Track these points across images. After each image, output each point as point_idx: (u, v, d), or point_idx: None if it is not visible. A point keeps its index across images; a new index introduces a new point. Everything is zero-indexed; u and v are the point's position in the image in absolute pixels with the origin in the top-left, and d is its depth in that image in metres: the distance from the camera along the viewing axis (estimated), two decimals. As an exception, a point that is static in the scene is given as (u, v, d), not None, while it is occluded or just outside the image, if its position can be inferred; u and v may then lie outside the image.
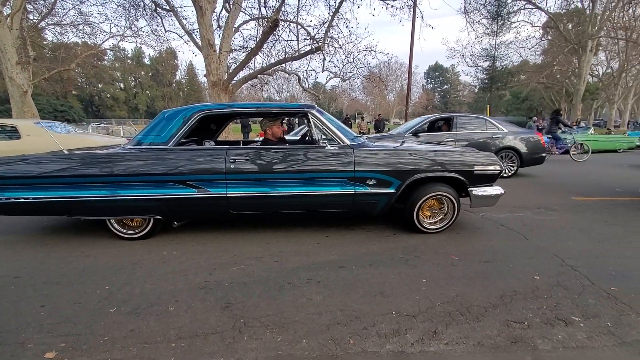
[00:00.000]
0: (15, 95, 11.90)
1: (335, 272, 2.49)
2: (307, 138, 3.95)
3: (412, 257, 2.76)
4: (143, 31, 18.02)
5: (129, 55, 59.30)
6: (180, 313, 1.96)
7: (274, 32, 11.34)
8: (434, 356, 1.62)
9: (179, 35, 16.73)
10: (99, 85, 58.91)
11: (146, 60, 62.62)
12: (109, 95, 60.92)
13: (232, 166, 2.96)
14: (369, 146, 3.25)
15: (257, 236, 3.26)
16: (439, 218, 3.39)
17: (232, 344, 1.70)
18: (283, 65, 12.91)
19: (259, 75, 13.08)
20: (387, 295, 2.17)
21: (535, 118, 16.34)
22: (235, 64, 12.25)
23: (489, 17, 21.64)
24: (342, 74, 15.13)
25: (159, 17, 13.79)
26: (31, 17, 16.54)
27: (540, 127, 16.11)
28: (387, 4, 11.85)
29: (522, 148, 6.79)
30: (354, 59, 14.33)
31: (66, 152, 3.10)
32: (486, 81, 38.33)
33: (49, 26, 18.92)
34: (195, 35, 11.87)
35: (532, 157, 6.86)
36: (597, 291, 2.22)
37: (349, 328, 1.83)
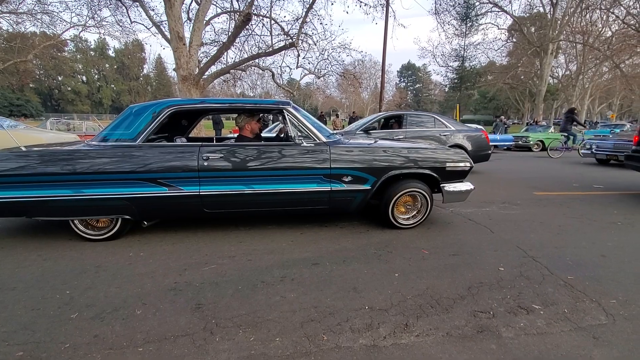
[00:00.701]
0: (-36, 87, 10.99)
1: (309, 270, 2.49)
2: (282, 135, 3.91)
3: (385, 253, 2.81)
4: (107, 21, 17.08)
5: (92, 46, 56.30)
6: (147, 316, 1.89)
7: (247, 27, 11.15)
8: (405, 348, 1.65)
9: (146, 27, 16.00)
10: (59, 78, 55.62)
11: (111, 53, 59.71)
12: (69, 89, 57.64)
13: (205, 163, 2.88)
14: (344, 143, 3.26)
15: (230, 235, 3.20)
16: (413, 214, 3.46)
17: (204, 345, 1.65)
18: (257, 60, 12.74)
19: (231, 71, 12.82)
20: (360, 290, 2.20)
21: (502, 117, 17.00)
22: (207, 58, 11.93)
23: (458, 18, 22.40)
24: (316, 70, 15.12)
25: (124, 7, 13.16)
26: (-18, 4, 15.33)
27: (507, 126, 16.86)
28: (361, 2, 11.94)
29: (469, 146, 7.01)
30: (328, 56, 14.38)
31: (24, 148, 2.88)
32: (456, 81, 39.63)
33: (3, 14, 17.59)
34: (164, 27, 11.44)
35: (478, 155, 7.10)
36: (556, 280, 2.36)
37: (323, 324, 1.83)
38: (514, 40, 26.94)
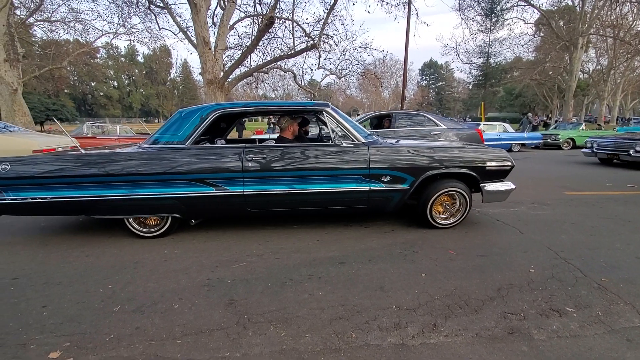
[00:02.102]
0: (5, 93, 11.75)
1: (335, 268, 2.53)
2: (318, 136, 4.00)
3: (411, 253, 2.81)
4: (136, 28, 17.84)
5: (122, 53, 58.71)
6: (184, 310, 1.99)
7: (270, 30, 11.32)
8: (434, 348, 1.67)
9: (173, 33, 16.55)
10: (92, 84, 58.33)
11: (140, 58, 62.07)
12: (102, 94, 60.34)
13: (249, 164, 2.99)
14: (383, 143, 3.30)
15: (257, 234, 3.30)
16: (451, 213, 3.45)
17: (237, 339, 1.73)
18: (279, 62, 12.90)
19: (254, 73, 13.05)
20: (387, 289, 2.22)
21: (529, 114, 16.30)
22: (231, 61, 12.21)
23: (482, 14, 21.81)
24: (337, 71, 15.15)
25: (152, 14, 13.66)
26: (18, 13, 16.28)
27: (535, 124, 16.15)
28: (383, 1, 11.88)
29: None
30: (349, 56, 14.37)
31: (83, 151, 3.10)
32: (480, 78, 38.60)
33: (38, 22, 18.61)
34: (190, 32, 11.81)
35: None
36: (589, 282, 2.29)
37: (351, 322, 1.87)
38: (542, 34, 25.93)
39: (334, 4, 11.34)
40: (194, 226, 3.48)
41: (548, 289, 2.21)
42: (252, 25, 12.73)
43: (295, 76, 14.74)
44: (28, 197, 2.90)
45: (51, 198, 2.90)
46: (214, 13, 12.72)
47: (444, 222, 3.40)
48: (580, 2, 19.29)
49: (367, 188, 3.13)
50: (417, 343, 1.70)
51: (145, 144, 3.18)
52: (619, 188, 5.45)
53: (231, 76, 11.32)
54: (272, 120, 16.53)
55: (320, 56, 13.56)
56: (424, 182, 3.25)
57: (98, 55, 42.47)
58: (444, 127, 6.95)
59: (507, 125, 12.68)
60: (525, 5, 21.37)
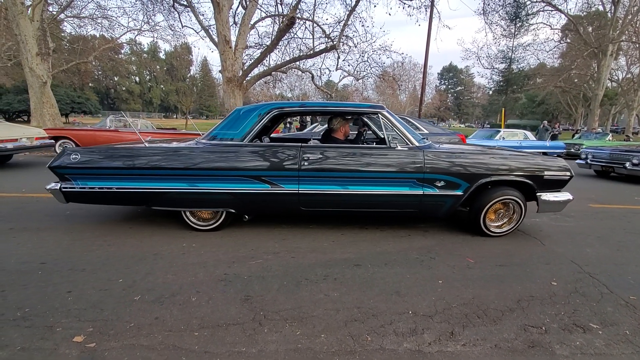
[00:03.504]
0: (35, 85, 12.21)
1: (351, 270, 2.52)
2: (362, 138, 4.07)
3: (427, 259, 2.77)
4: (160, 26, 18.42)
5: (145, 49, 60.14)
6: (201, 303, 2.02)
7: (290, 30, 11.39)
8: (451, 356, 1.64)
9: (195, 31, 16.95)
10: (115, 79, 59.99)
11: (161, 55, 63.42)
12: (124, 89, 62.00)
13: (305, 163, 3.03)
14: (438, 148, 3.28)
15: (273, 232, 3.32)
16: (504, 222, 3.38)
17: (253, 335, 1.74)
18: (297, 62, 12.97)
19: (272, 73, 13.15)
20: (403, 294, 2.19)
21: (545, 122, 15.71)
22: (250, 60, 12.35)
23: (507, 18, 21.32)
24: (356, 72, 15.11)
25: (176, 12, 13.97)
26: (51, 9, 16.90)
27: (555, 133, 15.60)
28: (404, 3, 11.79)
29: None
30: (368, 58, 14.31)
31: (147, 144, 3.22)
32: (501, 83, 37.79)
33: (68, 18, 19.32)
34: (212, 31, 12.00)
35: None
36: (616, 299, 2.21)
37: (366, 325, 1.86)
38: (568, 40, 25.19)
39: (355, 5, 11.33)
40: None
41: (571, 303, 2.14)
42: (272, 25, 12.87)
43: (313, 76, 14.79)
44: (96, 186, 3.05)
45: (117, 188, 3.04)
46: (235, 12, 12.91)
47: (497, 230, 3.34)
48: (612, 7, 18.64)
49: (420, 192, 3.11)
50: (434, 350, 1.67)
51: (203, 139, 3.27)
52: (647, 202, 5.23)
53: (250, 75, 11.44)
54: (289, 120, 16.57)
55: (339, 57, 13.57)
56: (478, 188, 3.19)
57: (122, 51, 43.71)
58: (425, 131, 6.76)
59: (528, 133, 12.34)
60: (552, 10, 20.81)
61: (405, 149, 3.14)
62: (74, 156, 2.99)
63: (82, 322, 1.82)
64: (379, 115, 3.25)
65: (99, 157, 3.03)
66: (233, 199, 3.09)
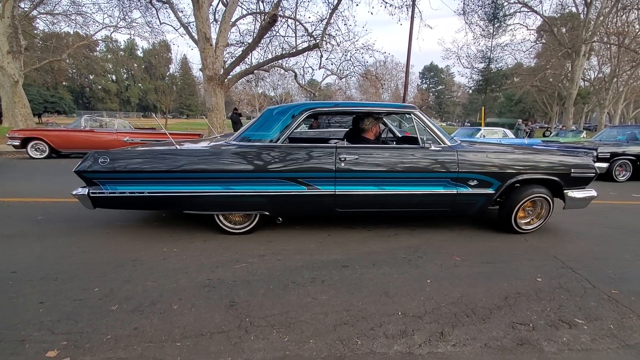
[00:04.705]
0: (6, 84, 11.64)
1: (338, 272, 2.48)
2: (382, 138, 4.04)
3: (415, 257, 2.76)
4: (137, 23, 17.82)
5: (122, 46, 58.34)
6: (184, 311, 1.93)
7: (272, 28, 11.25)
8: (442, 357, 1.61)
9: (174, 28, 16.52)
10: (90, 77, 58.00)
11: (139, 53, 61.70)
12: (100, 87, 60.05)
13: (342, 164, 2.98)
14: (470, 148, 3.30)
15: (258, 234, 3.23)
16: (531, 219, 3.46)
17: (239, 343, 1.67)
18: (280, 61, 12.85)
19: (254, 71, 12.98)
20: (392, 295, 2.16)
21: (520, 120, 16.11)
22: (232, 58, 12.14)
23: (485, 19, 21.81)
24: (339, 71, 15.11)
25: (153, 9, 13.61)
26: (22, 6, 16.14)
27: (528, 131, 16.00)
28: (386, 2, 11.84)
29: None
30: (351, 57, 14.34)
31: (177, 147, 3.07)
32: (481, 83, 38.65)
33: (41, 15, 18.51)
34: (191, 28, 11.74)
35: None
36: (599, 294, 2.25)
37: (356, 328, 1.82)
38: (544, 41, 25.98)
39: (338, 3, 11.29)
40: (193, 224, 3.43)
41: (556, 299, 2.17)
42: (254, 23, 12.71)
43: (296, 75, 14.69)
44: (126, 191, 2.89)
45: (149, 193, 2.90)
46: (215, 9, 12.67)
47: (526, 228, 3.41)
48: (585, 9, 19.32)
49: (454, 191, 3.12)
50: (425, 352, 1.65)
51: (233, 140, 3.16)
52: (623, 198, 5.44)
53: (231, 73, 11.23)
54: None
55: (321, 56, 13.53)
56: (508, 187, 3.24)
57: (97, 49, 42.25)
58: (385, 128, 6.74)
59: (507, 131, 12.65)
60: (528, 12, 21.40)
61: (439, 148, 3.16)
62: (102, 160, 2.85)
63: (55, 335, 1.70)
64: (412, 115, 3.24)
65: (129, 160, 2.89)
66: (268, 202, 3.02)
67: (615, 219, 4.06)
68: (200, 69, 11.15)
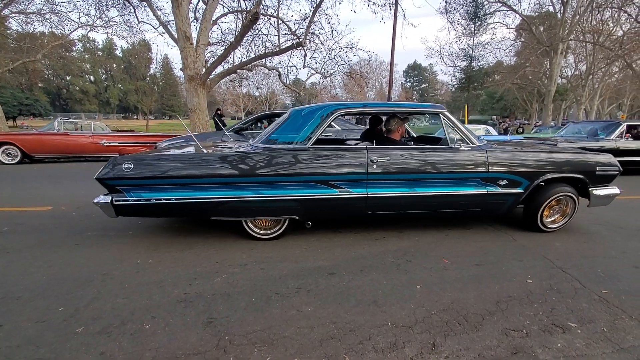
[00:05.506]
0: (-27, 87, 11.02)
1: (325, 280, 2.36)
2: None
3: (404, 262, 2.67)
4: (114, 21, 17.13)
5: (100, 46, 56.59)
6: (157, 331, 1.77)
7: (254, 26, 11.03)
8: (435, 372, 1.52)
9: (153, 27, 16.02)
10: (67, 78, 56.11)
11: (118, 52, 59.95)
12: (77, 89, 58.15)
13: (373, 166, 2.91)
14: (498, 147, 3.28)
15: (241, 241, 3.08)
16: (556, 217, 3.46)
17: (217, 366, 1.54)
18: (263, 60, 12.63)
19: (238, 71, 12.73)
20: (381, 304, 2.06)
21: (494, 117, 16.44)
22: (214, 58, 11.85)
23: (467, 17, 22.08)
24: (323, 70, 14.97)
25: (131, 7, 13.13)
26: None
27: (505, 128, 16.28)
28: (369, 1, 11.79)
29: None
30: (335, 55, 14.22)
31: (205, 151, 2.93)
32: (463, 81, 39.17)
33: (13, 14, 17.69)
34: (171, 27, 11.37)
35: None
36: (589, 294, 2.21)
37: (344, 343, 1.70)
38: (523, 39, 26.49)
39: (320, 2, 11.15)
40: (171, 232, 3.26)
41: (548, 301, 2.11)
42: (235, 21, 12.43)
43: (280, 74, 14.47)
44: (152, 197, 2.73)
45: (176, 199, 2.76)
46: (196, 7, 12.34)
47: (552, 226, 3.42)
48: (562, 8, 19.77)
49: (484, 191, 3.11)
50: (417, 367, 1.55)
51: (258, 142, 3.05)
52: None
53: (214, 73, 10.96)
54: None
55: (305, 55, 13.35)
56: (535, 186, 3.23)
57: (74, 49, 40.81)
58: (338, 128, 6.73)
59: (490, 128, 12.80)
60: (507, 11, 21.75)
61: (468, 148, 3.14)
62: (126, 165, 2.68)
63: (12, 364, 1.53)
64: (440, 115, 3.20)
65: (155, 165, 2.73)
66: (299, 206, 2.92)
67: (599, 215, 4.07)
68: (181, 69, 10.83)
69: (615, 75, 27.25)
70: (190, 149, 3.19)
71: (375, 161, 2.93)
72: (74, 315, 1.91)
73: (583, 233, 3.43)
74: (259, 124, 9.69)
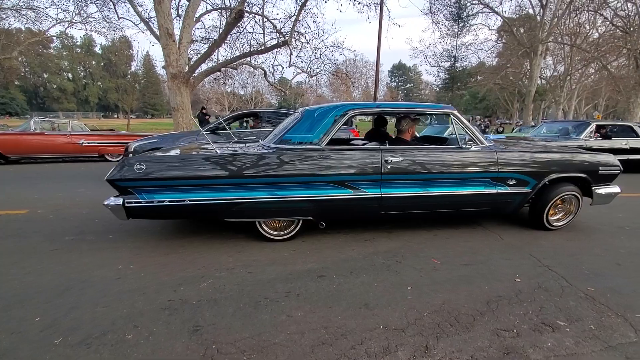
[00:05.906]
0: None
1: (315, 283, 2.32)
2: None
3: (394, 263, 2.65)
4: (93, 17, 16.55)
5: (78, 43, 54.77)
6: (139, 341, 1.69)
7: (238, 24, 10.86)
8: (428, 376, 1.50)
9: (134, 23, 15.57)
10: (45, 75, 54.21)
11: (97, 49, 58.28)
12: (55, 86, 56.23)
13: (388, 166, 2.92)
14: (507, 148, 3.35)
15: (228, 243, 3.00)
16: (560, 215, 3.55)
17: (204, 376, 1.47)
18: (248, 59, 12.47)
19: (222, 69, 12.53)
20: (372, 307, 2.03)
21: (477, 117, 16.85)
22: (197, 55, 11.63)
23: (450, 18, 22.42)
24: (309, 69, 14.91)
25: (111, 3, 12.73)
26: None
27: (484, 127, 16.61)
28: (355, 0, 11.79)
29: None
30: (321, 54, 14.16)
31: (218, 151, 2.81)
32: (447, 81, 39.78)
33: (-13, 11, 16.92)
34: (153, 23, 11.09)
35: None
36: (576, 292, 2.24)
37: (335, 348, 1.67)
38: (504, 41, 27.09)
39: (306, 0, 11.08)
40: (155, 235, 3.15)
41: (537, 300, 2.13)
42: (219, 19, 12.22)
43: (265, 73, 14.32)
44: (165, 199, 2.65)
45: (190, 200, 2.68)
46: (178, 4, 12.08)
47: (557, 224, 3.50)
48: (541, 11, 20.30)
49: (494, 191, 3.17)
50: (410, 371, 1.53)
51: (270, 143, 3.02)
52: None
53: (197, 71, 10.73)
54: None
55: (291, 54, 13.24)
56: (542, 185, 3.31)
57: (52, 46, 39.44)
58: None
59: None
60: (489, 12, 22.19)
61: (479, 149, 3.19)
62: (138, 166, 2.60)
63: (-18, 380, 1.43)
64: (451, 115, 3.24)
65: (168, 166, 2.66)
66: (313, 206, 2.89)
67: (583, 212, 4.15)
68: (164, 67, 10.57)
69: (592, 77, 28.20)
70: (177, 151, 3.11)
71: (389, 161, 2.94)
72: (52, 325, 1.81)
73: (567, 230, 3.49)
74: (244, 123, 9.56)
